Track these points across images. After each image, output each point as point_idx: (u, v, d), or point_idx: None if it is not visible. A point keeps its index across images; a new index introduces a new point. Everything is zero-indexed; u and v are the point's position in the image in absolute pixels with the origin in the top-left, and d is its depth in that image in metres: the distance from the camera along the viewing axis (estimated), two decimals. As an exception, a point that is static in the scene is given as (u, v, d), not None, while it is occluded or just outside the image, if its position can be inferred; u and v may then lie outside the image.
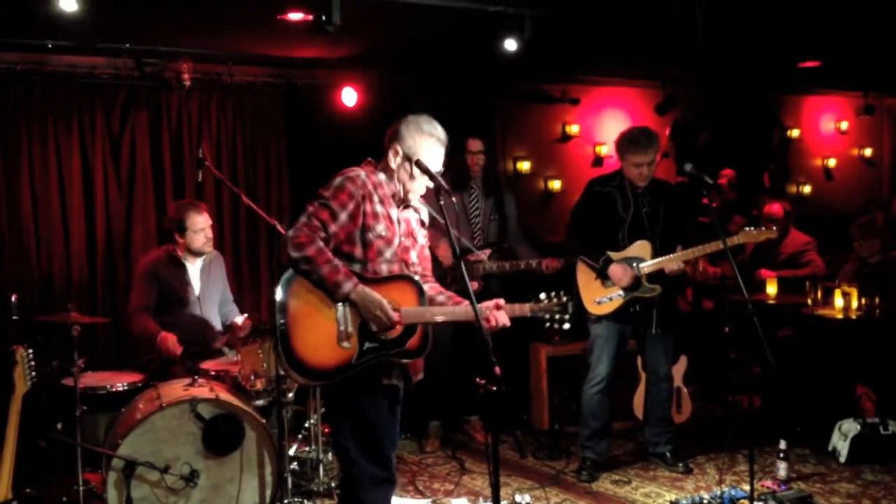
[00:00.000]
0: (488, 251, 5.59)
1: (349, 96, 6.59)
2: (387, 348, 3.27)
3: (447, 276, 5.44)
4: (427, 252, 3.56)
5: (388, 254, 3.30)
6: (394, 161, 3.34)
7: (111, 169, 6.12)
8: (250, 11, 5.16)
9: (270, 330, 3.27)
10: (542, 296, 3.43)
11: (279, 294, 3.19)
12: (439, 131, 3.35)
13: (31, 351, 3.50)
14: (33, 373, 3.48)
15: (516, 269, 5.52)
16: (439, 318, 3.33)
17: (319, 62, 6.62)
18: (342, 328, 3.22)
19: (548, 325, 3.42)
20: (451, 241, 3.24)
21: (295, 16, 5.21)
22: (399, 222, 3.38)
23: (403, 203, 3.41)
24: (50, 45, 5.75)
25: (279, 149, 6.72)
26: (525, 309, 3.40)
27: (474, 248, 5.57)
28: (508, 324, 3.31)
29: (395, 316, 3.22)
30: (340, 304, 3.22)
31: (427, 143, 3.32)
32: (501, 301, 3.34)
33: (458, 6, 5.10)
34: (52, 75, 5.89)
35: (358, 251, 3.26)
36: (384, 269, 3.30)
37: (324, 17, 4.80)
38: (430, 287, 3.46)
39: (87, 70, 5.99)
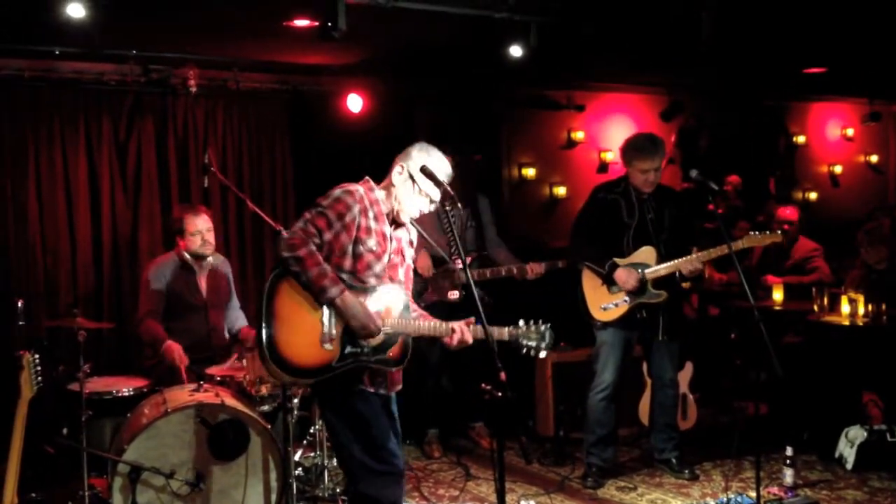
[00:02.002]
0: (468, 259, 5.54)
1: (354, 103, 6.60)
2: (367, 354, 3.34)
3: (427, 288, 5.40)
4: (412, 274, 3.64)
5: (377, 268, 3.38)
6: (397, 178, 3.42)
7: (117, 175, 6.14)
8: (256, 18, 5.18)
9: (256, 324, 3.29)
10: (521, 322, 3.44)
11: (267, 290, 3.26)
12: (447, 166, 3.45)
13: (37, 356, 3.50)
14: (39, 378, 3.47)
15: (497, 276, 5.48)
16: (421, 332, 3.41)
17: (325, 69, 6.64)
18: (326, 330, 3.29)
19: (524, 351, 3.43)
20: (457, 246, 3.27)
21: (301, 22, 5.23)
22: (391, 240, 3.45)
23: (396, 221, 3.47)
24: (57, 52, 5.79)
25: (284, 155, 6.74)
26: (504, 333, 3.43)
27: (448, 257, 5.52)
28: (471, 341, 3.38)
29: (378, 324, 3.29)
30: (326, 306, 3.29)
31: (433, 169, 3.38)
32: (472, 319, 3.41)
33: (463, 13, 5.11)
34: (59, 81, 5.92)
35: (347, 263, 3.33)
36: (373, 282, 3.37)
37: (329, 24, 4.81)
38: (412, 309, 3.52)
39: (93, 76, 6.02)
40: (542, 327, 3.44)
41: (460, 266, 5.38)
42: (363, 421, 3.34)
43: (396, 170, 3.43)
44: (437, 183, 3.35)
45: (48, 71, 5.88)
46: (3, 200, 5.80)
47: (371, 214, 3.36)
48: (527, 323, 3.45)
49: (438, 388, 5.78)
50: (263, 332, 3.25)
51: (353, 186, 3.38)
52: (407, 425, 3.89)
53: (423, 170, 3.35)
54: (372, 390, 3.39)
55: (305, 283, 3.23)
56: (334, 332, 3.29)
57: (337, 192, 3.34)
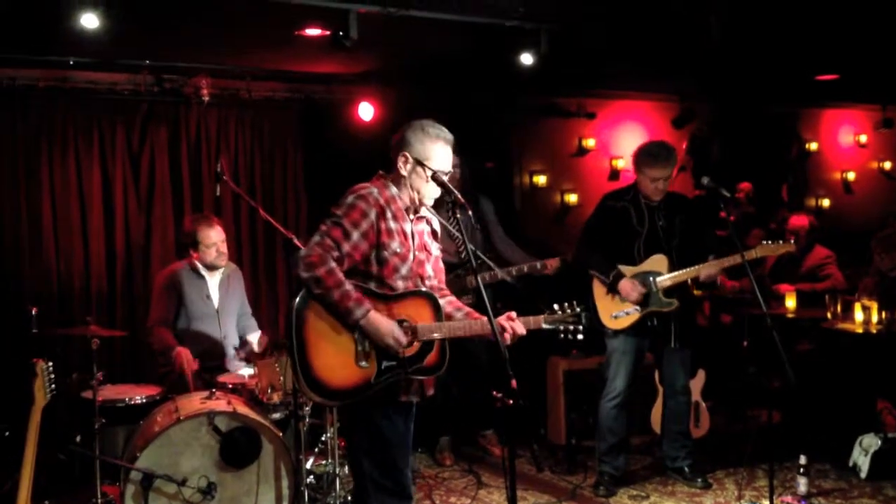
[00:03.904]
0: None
1: (366, 111, 6.62)
2: (405, 366, 3.25)
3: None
4: (441, 264, 3.55)
5: (403, 270, 3.29)
6: (405, 168, 3.31)
7: (131, 183, 6.18)
8: (268, 27, 5.21)
9: (288, 352, 3.26)
10: (556, 307, 3.42)
11: (295, 316, 3.17)
12: (445, 132, 3.35)
13: (50, 364, 3.52)
14: (52, 385, 3.49)
15: (509, 277, 5.46)
16: (456, 334, 3.32)
17: (336, 77, 6.67)
18: (360, 348, 3.21)
19: (562, 335, 3.41)
20: (468, 251, 3.25)
21: (312, 31, 5.26)
22: (413, 236, 3.35)
23: (417, 211, 3.39)
24: (71, 62, 5.84)
25: (296, 163, 6.77)
26: (539, 321, 3.39)
27: (462, 263, 5.52)
28: (525, 332, 3.33)
29: (404, 341, 3.21)
30: None
31: (436, 145, 3.31)
32: (513, 314, 3.35)
33: (474, 21, 5.13)
34: (74, 91, 5.97)
35: (374, 268, 3.24)
36: (400, 285, 3.28)
37: (341, 33, 4.85)
38: (448, 302, 3.45)
39: (107, 86, 6.08)
40: (577, 308, 3.40)
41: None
42: (385, 443, 3.28)
43: (401, 161, 3.31)
44: (448, 191, 3.26)
45: (62, 81, 5.93)
46: (18, 209, 5.85)
47: (389, 214, 3.25)
48: (560, 307, 3.41)
49: (448, 395, 5.78)
50: (297, 359, 3.17)
51: (366, 190, 3.26)
52: (418, 433, 3.87)
53: (435, 178, 3.27)
54: (405, 399, 3.33)
55: (329, 305, 3.14)
56: (368, 347, 3.21)
57: (350, 198, 3.23)
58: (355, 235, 3.18)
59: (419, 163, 3.28)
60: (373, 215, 3.21)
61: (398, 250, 3.26)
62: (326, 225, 3.19)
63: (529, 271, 5.44)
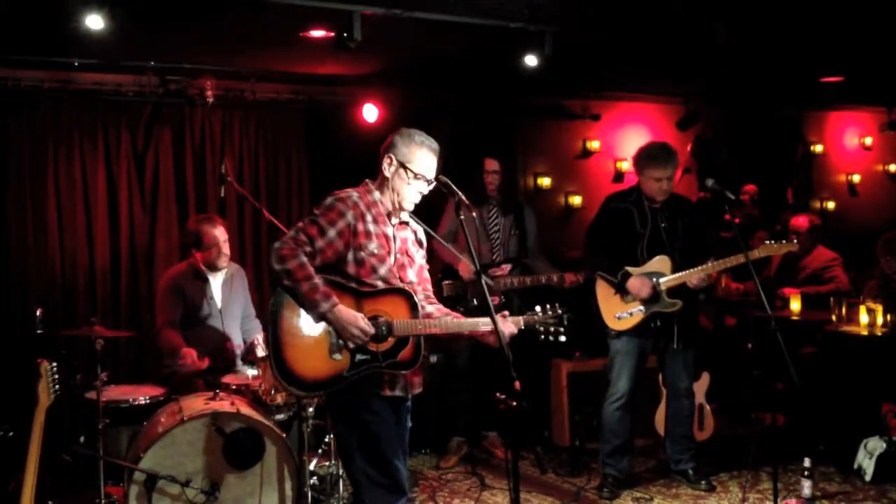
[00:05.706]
0: (508, 266, 5.59)
1: (370, 113, 6.63)
2: (378, 360, 3.31)
3: (468, 291, 5.45)
4: (426, 274, 3.59)
5: (382, 271, 3.35)
6: (388, 170, 3.38)
7: (135, 184, 6.20)
8: (273, 29, 5.22)
9: (266, 342, 3.30)
10: (537, 308, 3.46)
11: (272, 306, 3.28)
12: (432, 142, 3.40)
13: (54, 364, 3.52)
14: (57, 386, 3.50)
15: (536, 284, 5.52)
16: (432, 330, 3.37)
17: (341, 79, 6.68)
18: (334, 340, 3.27)
19: (542, 337, 3.43)
20: (470, 254, 3.26)
21: (317, 33, 5.27)
22: (395, 239, 3.42)
23: (399, 213, 3.43)
24: (76, 63, 5.86)
25: (301, 164, 6.78)
26: (519, 321, 3.44)
27: (494, 263, 5.59)
28: (514, 331, 3.38)
29: (369, 331, 3.25)
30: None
31: (421, 150, 3.36)
32: (506, 312, 3.38)
33: (478, 23, 5.13)
34: (79, 93, 5.99)
35: (352, 268, 3.31)
36: (380, 285, 3.35)
37: (345, 34, 4.85)
38: (437, 309, 3.50)
39: (112, 87, 6.09)
40: (559, 310, 3.43)
41: (500, 272, 5.45)
42: (374, 437, 3.31)
43: (385, 163, 3.38)
44: (452, 192, 3.32)
45: (67, 82, 5.95)
46: (23, 210, 5.87)
47: (369, 218, 3.34)
48: (543, 308, 3.45)
49: (457, 398, 5.79)
50: (272, 349, 3.26)
51: (345, 193, 3.36)
52: (426, 434, 3.88)
53: (439, 180, 3.34)
54: (389, 393, 3.36)
55: (297, 297, 3.23)
56: (342, 340, 3.28)
57: (329, 199, 3.33)
58: (331, 233, 3.26)
59: (402, 165, 3.34)
60: (350, 216, 3.29)
61: (376, 251, 3.33)
62: (304, 222, 3.30)
63: (546, 283, 5.50)
